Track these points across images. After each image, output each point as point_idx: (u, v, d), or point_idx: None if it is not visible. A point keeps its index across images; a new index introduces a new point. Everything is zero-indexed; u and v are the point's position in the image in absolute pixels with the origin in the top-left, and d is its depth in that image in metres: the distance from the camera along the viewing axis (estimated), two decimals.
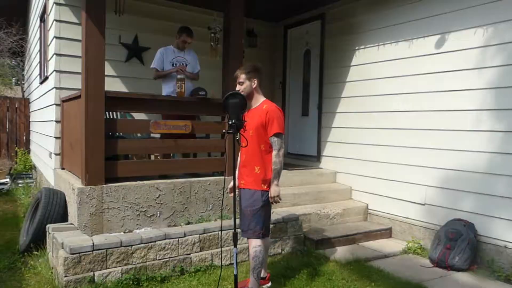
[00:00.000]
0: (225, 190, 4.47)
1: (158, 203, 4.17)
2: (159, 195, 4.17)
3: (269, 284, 3.55)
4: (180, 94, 4.60)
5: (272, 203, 3.29)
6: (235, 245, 2.80)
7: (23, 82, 13.73)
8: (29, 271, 3.73)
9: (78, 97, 4.15)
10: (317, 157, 6.30)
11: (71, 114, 4.61)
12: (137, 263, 3.55)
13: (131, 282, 3.42)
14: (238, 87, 3.30)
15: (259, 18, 7.02)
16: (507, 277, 3.85)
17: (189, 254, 3.83)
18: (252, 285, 3.25)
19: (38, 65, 7.18)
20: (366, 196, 5.48)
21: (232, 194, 3.25)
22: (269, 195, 3.23)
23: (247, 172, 3.30)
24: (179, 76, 4.66)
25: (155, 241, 3.66)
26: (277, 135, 3.21)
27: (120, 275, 3.45)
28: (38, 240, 4.05)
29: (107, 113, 4.41)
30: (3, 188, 7.38)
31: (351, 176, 5.70)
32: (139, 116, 5.17)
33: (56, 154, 5.26)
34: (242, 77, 3.31)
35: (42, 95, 6.81)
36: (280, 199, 3.29)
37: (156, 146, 4.51)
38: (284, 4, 6.28)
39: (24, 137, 9.95)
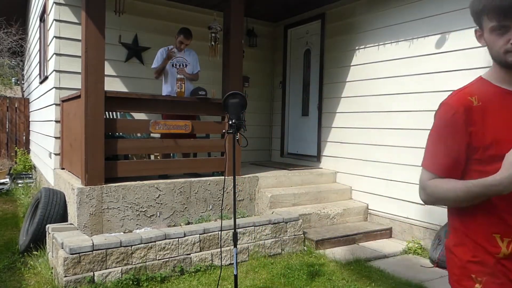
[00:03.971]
0: (225, 190, 4.47)
1: (158, 203, 4.16)
2: (159, 195, 4.17)
3: None
4: (180, 94, 4.60)
5: None
6: (235, 245, 2.79)
7: (22, 82, 13.72)
8: (29, 271, 3.72)
9: (78, 97, 4.15)
10: (317, 157, 6.30)
11: (71, 114, 4.61)
12: (137, 263, 3.55)
13: (131, 282, 3.41)
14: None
15: (259, 18, 7.02)
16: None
17: (189, 254, 3.82)
18: None
19: (38, 65, 7.18)
20: (366, 196, 5.48)
21: None
22: None
23: None
24: (179, 76, 4.67)
25: (155, 241, 3.65)
26: None
27: (120, 275, 3.45)
28: (38, 240, 4.04)
29: (106, 113, 4.41)
30: (2, 188, 7.37)
31: (351, 176, 5.69)
32: (139, 116, 5.17)
33: (55, 154, 5.26)
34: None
35: (41, 95, 6.80)
36: None
37: (156, 146, 4.51)
38: (284, 4, 6.28)
39: (24, 137, 9.93)
